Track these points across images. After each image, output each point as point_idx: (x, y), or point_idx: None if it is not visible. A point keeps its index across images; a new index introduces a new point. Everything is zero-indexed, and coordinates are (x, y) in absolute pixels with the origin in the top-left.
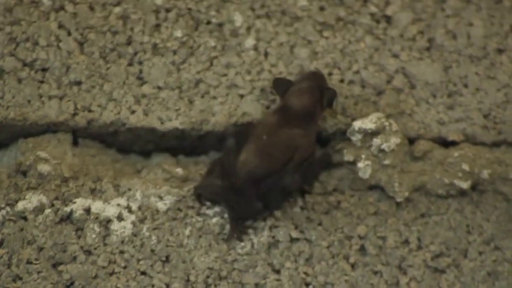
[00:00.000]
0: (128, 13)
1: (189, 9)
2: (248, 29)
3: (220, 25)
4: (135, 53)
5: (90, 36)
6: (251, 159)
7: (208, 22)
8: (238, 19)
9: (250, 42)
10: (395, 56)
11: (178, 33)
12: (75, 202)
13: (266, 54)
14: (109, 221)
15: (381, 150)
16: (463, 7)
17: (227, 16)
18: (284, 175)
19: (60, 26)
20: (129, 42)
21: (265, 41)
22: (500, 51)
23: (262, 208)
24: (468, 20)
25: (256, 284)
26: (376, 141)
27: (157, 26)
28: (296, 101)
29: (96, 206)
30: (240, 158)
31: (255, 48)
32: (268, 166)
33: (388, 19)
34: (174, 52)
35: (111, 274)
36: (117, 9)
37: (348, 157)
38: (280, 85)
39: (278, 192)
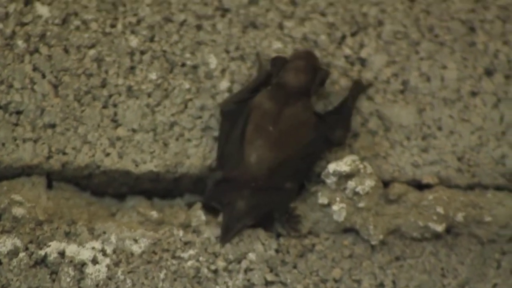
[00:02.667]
0: (103, 55)
1: (164, 51)
2: (223, 71)
3: (195, 67)
4: (110, 96)
5: (65, 79)
6: (266, 155)
7: (183, 65)
8: (213, 62)
9: (224, 84)
10: (370, 98)
11: (153, 76)
12: (49, 246)
13: None
14: (83, 264)
15: (356, 193)
16: (437, 50)
17: (202, 58)
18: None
19: (35, 69)
20: (103, 85)
21: (239, 83)
22: (474, 93)
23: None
24: (442, 63)
25: None
26: (351, 183)
27: (132, 68)
28: (291, 80)
29: (71, 249)
30: (251, 159)
31: (230, 90)
32: (285, 155)
33: (363, 62)
34: (149, 95)
35: None
36: (91, 52)
37: (322, 199)
38: (277, 63)
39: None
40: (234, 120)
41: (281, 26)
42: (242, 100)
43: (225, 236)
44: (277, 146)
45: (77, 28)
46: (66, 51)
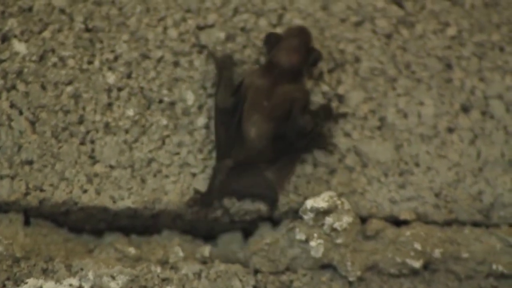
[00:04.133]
0: (80, 92)
1: (141, 88)
2: (200, 107)
3: (172, 103)
4: (87, 132)
5: (42, 115)
6: (262, 129)
7: (160, 101)
8: (190, 98)
9: (202, 120)
10: (347, 134)
11: (130, 112)
12: (26, 283)
13: None
14: None
15: (334, 229)
16: (414, 86)
17: (179, 94)
18: (295, 123)
19: (12, 105)
20: (81, 121)
21: None
22: (450, 130)
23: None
24: (419, 99)
25: None
26: (329, 220)
27: (109, 105)
28: (284, 59)
29: (48, 286)
30: (251, 134)
31: (207, 126)
32: (277, 128)
33: (340, 98)
34: (126, 131)
35: None
36: (69, 88)
37: (300, 235)
38: (271, 41)
39: (298, 137)
40: (230, 111)
41: (258, 63)
42: (236, 91)
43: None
44: (270, 119)
45: (54, 64)
46: (43, 87)
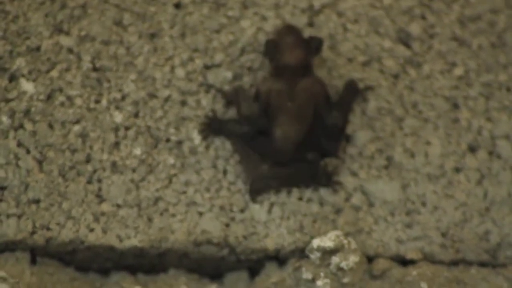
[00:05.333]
0: (87, 131)
1: (148, 127)
2: (207, 146)
3: (179, 142)
4: (94, 171)
5: (49, 154)
6: (290, 129)
7: (167, 140)
8: (197, 137)
9: (209, 159)
10: (354, 174)
11: (137, 151)
12: None
13: (225, 172)
14: None
15: (340, 269)
16: (421, 126)
17: (186, 133)
18: (324, 120)
19: (19, 144)
20: (88, 160)
21: (223, 158)
22: (457, 170)
23: (316, 156)
24: (425, 139)
25: None
26: (335, 259)
27: (116, 144)
28: (290, 58)
29: None
30: (277, 135)
31: (214, 165)
32: (304, 128)
33: (347, 138)
34: (133, 170)
35: None
36: (76, 127)
37: (307, 275)
38: (270, 49)
39: (330, 137)
40: (255, 119)
41: None
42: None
43: (252, 193)
44: (298, 120)
45: (62, 104)
46: (50, 126)
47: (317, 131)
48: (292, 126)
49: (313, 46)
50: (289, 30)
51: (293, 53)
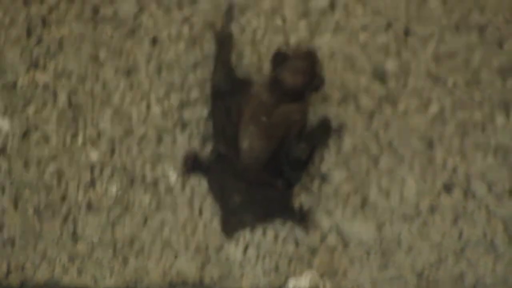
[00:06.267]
0: (63, 169)
1: (124, 165)
2: (183, 185)
3: (155, 181)
4: (70, 210)
5: (24, 193)
6: (256, 143)
7: (143, 178)
8: (173, 175)
9: (185, 198)
10: (329, 213)
11: (113, 189)
12: None
13: (200, 211)
14: None
15: None
16: (396, 166)
17: (162, 171)
18: (289, 149)
19: None
20: (63, 199)
21: (199, 197)
22: (432, 209)
23: (285, 185)
24: (401, 178)
25: None
26: None
27: (92, 182)
28: (288, 79)
29: None
30: (243, 145)
31: (190, 205)
32: (271, 147)
33: (323, 176)
34: (109, 209)
35: None
36: (52, 165)
37: None
38: (278, 58)
39: (292, 167)
40: (227, 103)
41: None
42: (235, 78)
43: (226, 228)
44: (267, 136)
45: (38, 141)
46: (26, 164)
47: (282, 158)
48: (259, 141)
49: (315, 82)
50: (307, 55)
51: (293, 76)
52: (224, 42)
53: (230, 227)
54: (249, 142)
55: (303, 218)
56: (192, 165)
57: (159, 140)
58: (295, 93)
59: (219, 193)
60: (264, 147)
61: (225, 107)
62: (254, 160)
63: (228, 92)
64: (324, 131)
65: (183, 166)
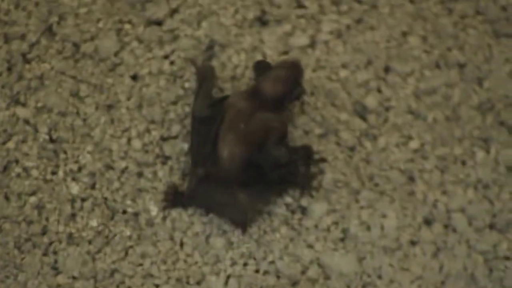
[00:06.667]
0: (44, 202)
1: (105, 198)
2: (164, 218)
3: (136, 214)
4: (50, 243)
5: (5, 226)
6: (236, 150)
7: (124, 212)
8: (154, 209)
9: (166, 231)
10: (310, 246)
11: (94, 223)
12: None
13: (181, 244)
14: None
15: None
16: (377, 199)
17: (143, 205)
18: (269, 153)
19: None
20: (44, 232)
21: (180, 230)
22: (413, 243)
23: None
24: (381, 212)
25: None
26: None
27: (73, 215)
28: (268, 88)
29: None
30: (223, 154)
31: (171, 237)
32: (249, 154)
33: (303, 210)
34: (90, 242)
35: None
36: (32, 199)
37: None
38: (260, 67)
39: (270, 168)
40: (208, 123)
41: None
42: (215, 103)
43: (243, 228)
44: (245, 143)
45: (18, 175)
46: (6, 198)
47: (262, 161)
48: (238, 147)
49: (295, 92)
50: (290, 65)
51: (274, 85)
52: (206, 74)
53: (241, 224)
54: (229, 150)
55: (307, 183)
56: (173, 198)
57: (140, 174)
58: (275, 102)
59: (219, 207)
60: (243, 153)
61: (205, 130)
62: (234, 166)
63: (208, 117)
64: (305, 153)
65: (164, 200)
